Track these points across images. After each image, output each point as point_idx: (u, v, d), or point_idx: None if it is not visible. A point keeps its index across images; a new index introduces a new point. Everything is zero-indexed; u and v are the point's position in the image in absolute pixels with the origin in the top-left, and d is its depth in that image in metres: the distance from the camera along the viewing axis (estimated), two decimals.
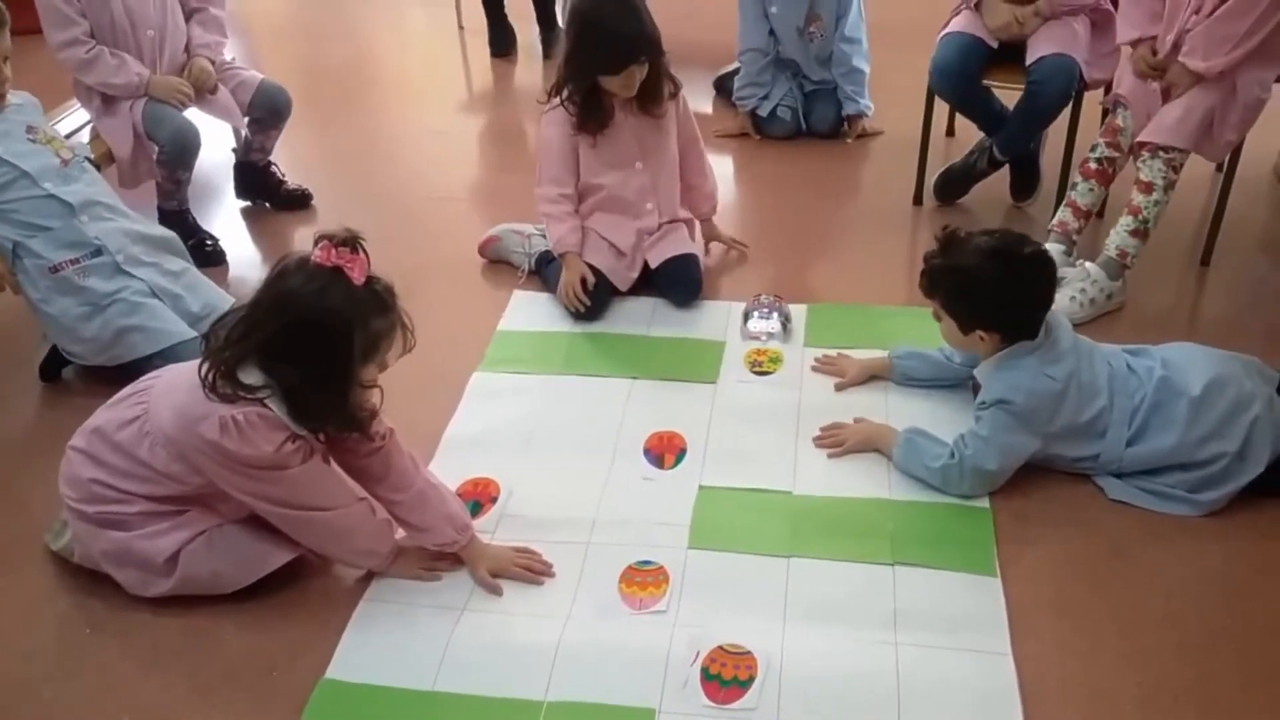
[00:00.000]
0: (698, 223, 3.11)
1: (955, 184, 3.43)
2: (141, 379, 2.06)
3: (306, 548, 2.01)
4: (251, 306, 1.83)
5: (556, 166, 2.87)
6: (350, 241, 1.78)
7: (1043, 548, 2.12)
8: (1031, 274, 2.20)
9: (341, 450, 2.00)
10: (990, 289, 2.17)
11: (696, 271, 2.94)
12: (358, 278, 1.77)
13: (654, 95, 2.79)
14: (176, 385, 1.91)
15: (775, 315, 2.78)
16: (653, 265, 2.93)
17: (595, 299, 2.85)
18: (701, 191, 3.06)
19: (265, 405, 1.81)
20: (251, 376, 1.81)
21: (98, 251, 2.57)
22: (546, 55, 4.77)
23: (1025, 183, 3.41)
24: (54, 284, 2.56)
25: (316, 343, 1.78)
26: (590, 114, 2.77)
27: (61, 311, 2.57)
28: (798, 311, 2.87)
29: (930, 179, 3.46)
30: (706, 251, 3.12)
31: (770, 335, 2.74)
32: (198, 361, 1.85)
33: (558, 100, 2.80)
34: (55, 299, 2.57)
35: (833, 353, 2.68)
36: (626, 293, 2.94)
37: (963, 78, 3.20)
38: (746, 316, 2.80)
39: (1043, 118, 3.17)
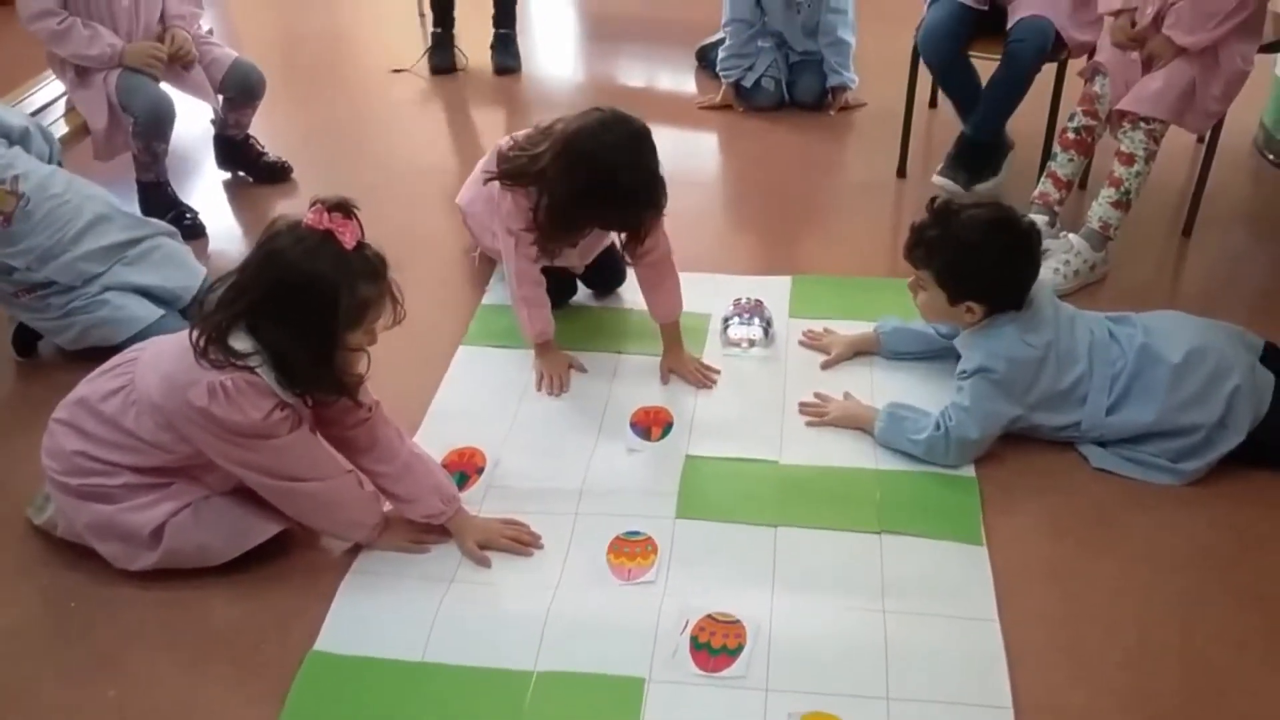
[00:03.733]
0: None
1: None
2: (126, 350, 2.04)
3: (293, 520, 2.00)
4: (241, 269, 1.81)
5: (530, 250, 2.42)
6: (343, 206, 1.77)
7: (1028, 516, 2.14)
8: (1027, 245, 2.21)
9: (327, 422, 1.99)
10: (989, 262, 2.17)
11: (616, 261, 2.78)
12: (348, 242, 1.76)
13: (637, 242, 2.40)
14: (164, 353, 1.90)
15: (756, 321, 2.66)
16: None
17: (564, 285, 2.74)
18: (661, 305, 2.56)
19: (254, 372, 1.80)
20: (241, 342, 1.79)
21: (50, 283, 2.52)
22: (501, 69, 4.37)
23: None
24: (13, 303, 2.56)
25: (302, 304, 1.77)
26: (556, 242, 2.39)
27: (26, 318, 2.61)
28: (781, 283, 2.87)
29: (913, 151, 3.46)
30: (665, 380, 2.55)
31: (752, 342, 2.63)
32: (186, 330, 1.83)
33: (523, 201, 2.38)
34: (18, 311, 2.60)
35: (817, 325, 2.68)
36: None
37: (951, 39, 3.19)
38: (726, 323, 2.68)
39: (1018, 79, 3.13)
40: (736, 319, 2.68)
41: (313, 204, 1.77)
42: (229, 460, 1.88)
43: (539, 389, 2.50)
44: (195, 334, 1.80)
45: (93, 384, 1.98)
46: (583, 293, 2.85)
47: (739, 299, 2.74)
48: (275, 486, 1.92)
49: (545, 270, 2.53)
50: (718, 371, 2.55)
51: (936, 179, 3.25)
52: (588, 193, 2.24)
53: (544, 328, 2.52)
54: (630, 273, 2.74)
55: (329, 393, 1.89)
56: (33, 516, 2.09)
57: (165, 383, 1.84)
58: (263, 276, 1.78)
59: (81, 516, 1.96)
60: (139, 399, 1.89)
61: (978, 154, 3.27)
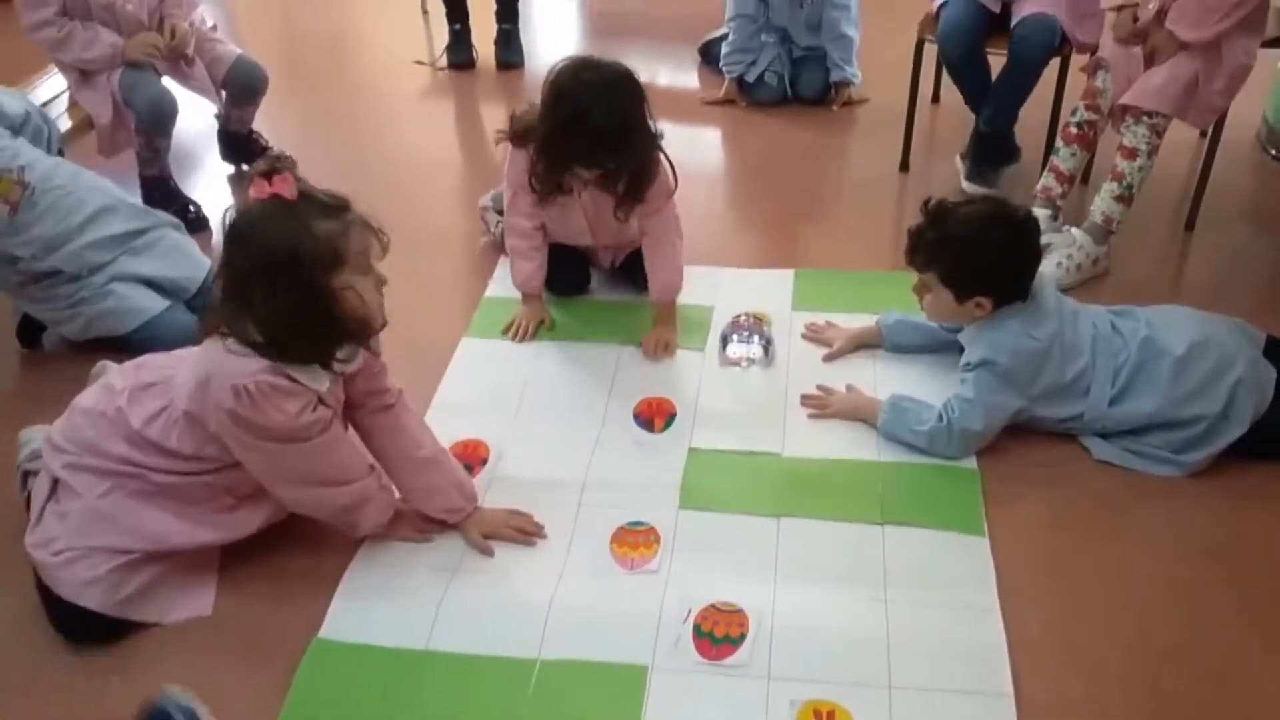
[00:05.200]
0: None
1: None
2: (162, 363, 2.00)
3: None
4: (221, 262, 1.81)
5: (525, 203, 2.60)
6: (274, 167, 1.76)
7: (1029, 507, 2.14)
8: (1027, 236, 2.22)
9: (353, 405, 1.99)
10: (993, 256, 2.17)
11: None
12: (289, 192, 1.74)
13: (631, 192, 2.47)
14: (193, 361, 1.87)
15: (756, 339, 2.59)
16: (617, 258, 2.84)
17: (578, 275, 2.81)
18: (654, 281, 2.65)
19: (284, 374, 1.79)
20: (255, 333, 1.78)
21: (56, 272, 2.52)
22: (504, 64, 4.38)
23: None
24: (20, 293, 2.57)
25: (275, 269, 1.73)
26: (549, 187, 2.51)
27: (32, 309, 2.61)
28: (784, 276, 2.88)
29: (916, 146, 3.46)
30: (647, 354, 2.61)
31: (751, 361, 2.55)
32: (201, 338, 1.84)
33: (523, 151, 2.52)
34: (24, 302, 2.61)
35: (820, 318, 2.68)
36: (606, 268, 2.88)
37: (971, 34, 3.19)
38: (725, 341, 2.60)
39: (1026, 76, 3.13)
40: (735, 336, 2.61)
41: (248, 180, 1.77)
42: (258, 470, 1.88)
43: (509, 333, 2.66)
44: (210, 329, 1.80)
45: (137, 405, 1.90)
46: (614, 287, 2.85)
47: (738, 316, 2.67)
48: (303, 496, 1.92)
49: (566, 259, 2.69)
50: (672, 353, 2.60)
51: (967, 186, 3.24)
52: (566, 127, 2.32)
53: (526, 279, 2.68)
54: None
55: (330, 344, 1.83)
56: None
57: (194, 386, 1.83)
58: (230, 259, 1.77)
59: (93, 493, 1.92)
60: (178, 414, 1.87)
61: (994, 146, 3.29)
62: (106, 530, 1.89)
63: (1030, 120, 3.29)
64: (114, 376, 2.00)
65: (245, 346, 1.77)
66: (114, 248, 2.56)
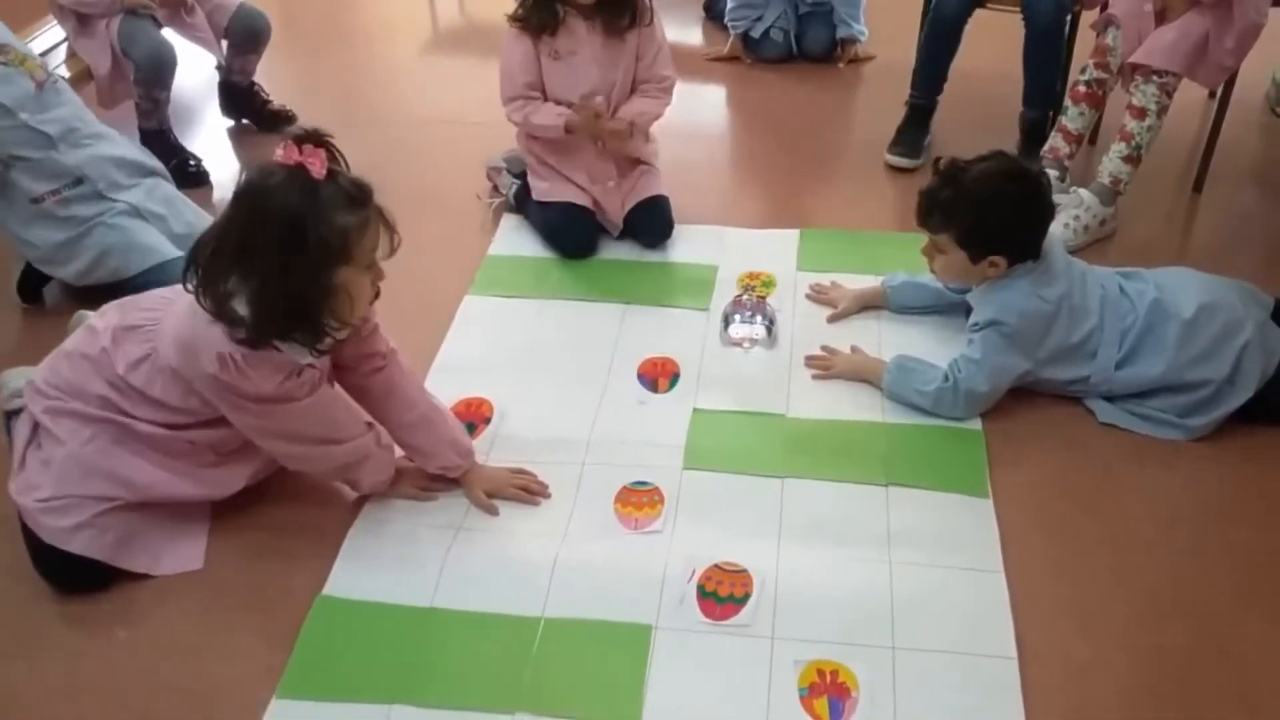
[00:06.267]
0: (658, 173, 2.88)
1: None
2: (152, 300, 1.97)
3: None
4: (222, 214, 1.77)
5: (519, 84, 2.71)
6: (313, 136, 1.70)
7: (1034, 469, 2.14)
8: (1039, 190, 2.20)
9: (344, 369, 1.98)
10: (1008, 212, 2.16)
11: (666, 214, 2.82)
12: (318, 171, 1.68)
13: (616, 9, 2.64)
14: (179, 314, 1.82)
15: (759, 318, 2.51)
16: (625, 209, 2.84)
17: (587, 234, 2.80)
18: (634, 108, 2.77)
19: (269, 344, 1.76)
20: (241, 306, 1.73)
21: (79, 181, 2.50)
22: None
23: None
24: (36, 214, 2.50)
25: (274, 238, 1.68)
26: (539, 12, 2.62)
27: (42, 240, 2.53)
28: (789, 236, 2.86)
29: None
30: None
31: (754, 342, 2.47)
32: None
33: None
34: (36, 229, 2.52)
35: (825, 278, 2.67)
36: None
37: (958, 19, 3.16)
38: (727, 320, 2.52)
39: (1047, 38, 3.09)
40: (738, 315, 2.53)
41: (283, 140, 1.71)
42: (248, 429, 1.86)
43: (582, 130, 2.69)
44: (189, 284, 1.75)
45: (121, 347, 1.87)
46: (618, 246, 2.84)
47: (740, 295, 2.61)
48: (298, 452, 1.91)
49: (573, 219, 2.75)
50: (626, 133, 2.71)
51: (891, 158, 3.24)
52: None
53: (558, 113, 2.70)
54: (682, 229, 2.84)
55: (312, 337, 1.78)
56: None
57: (178, 345, 1.79)
58: (233, 218, 1.72)
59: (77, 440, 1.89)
60: (164, 368, 1.84)
61: (1037, 133, 3.16)
62: (90, 478, 1.87)
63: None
64: (95, 318, 1.97)
65: (215, 317, 1.73)
66: (133, 173, 2.56)
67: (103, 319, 1.94)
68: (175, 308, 1.86)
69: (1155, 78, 2.76)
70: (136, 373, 1.86)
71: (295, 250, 1.68)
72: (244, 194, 1.73)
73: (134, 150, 2.68)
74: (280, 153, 1.70)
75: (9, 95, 2.42)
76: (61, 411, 1.89)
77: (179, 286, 1.81)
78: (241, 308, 1.73)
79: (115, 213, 2.53)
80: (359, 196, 1.73)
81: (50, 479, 1.87)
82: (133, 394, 1.87)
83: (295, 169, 1.68)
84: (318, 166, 1.68)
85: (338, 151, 1.75)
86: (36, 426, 1.92)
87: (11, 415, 2.03)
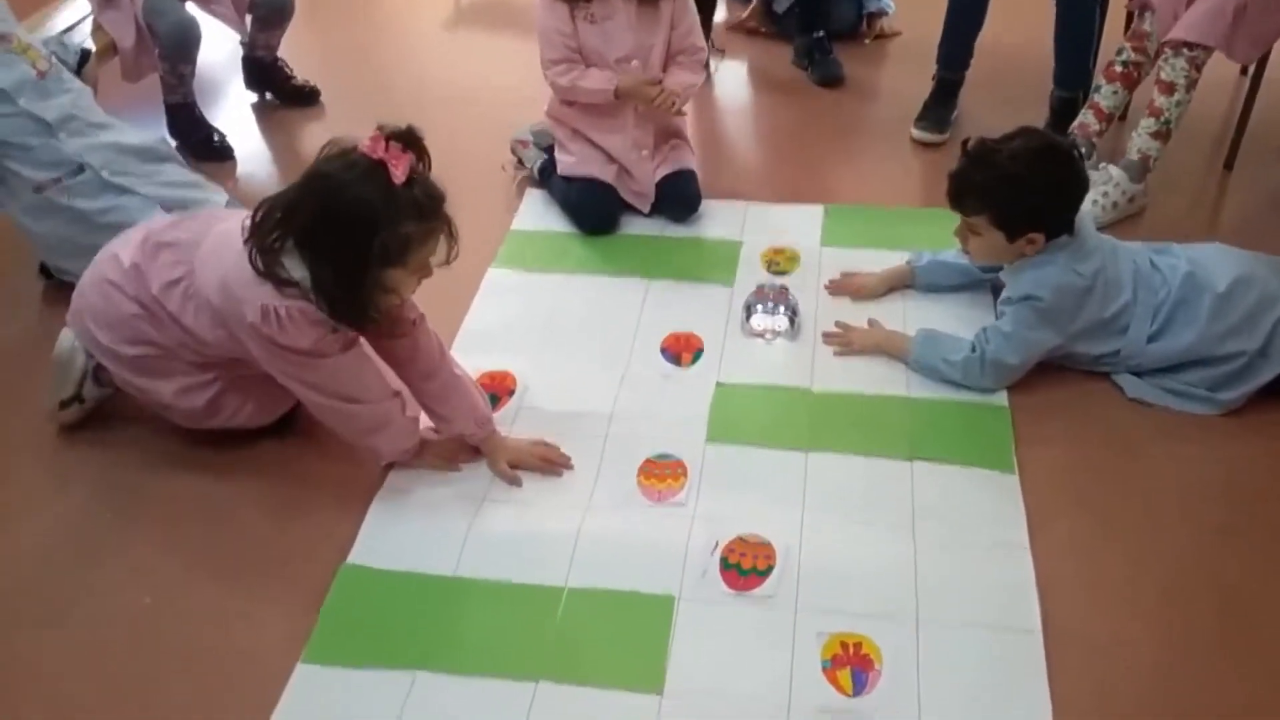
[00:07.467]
0: (691, 148, 2.90)
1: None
2: (190, 219, 2.04)
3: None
4: (295, 186, 1.78)
5: (559, 49, 2.68)
6: (404, 137, 1.72)
7: (1060, 445, 2.12)
8: (1073, 163, 2.18)
9: (371, 333, 1.98)
10: (1045, 189, 2.13)
11: (694, 187, 2.82)
12: (399, 176, 1.70)
13: None
14: (224, 249, 1.84)
15: (782, 309, 2.45)
16: (656, 179, 2.83)
17: (608, 211, 2.79)
18: (683, 65, 2.76)
19: (308, 299, 1.78)
20: (293, 262, 1.77)
21: (80, 169, 2.45)
22: None
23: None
24: (39, 203, 2.45)
25: (338, 233, 1.73)
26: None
27: (49, 231, 2.48)
28: (813, 212, 2.84)
29: None
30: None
31: (776, 333, 2.40)
32: (241, 222, 1.81)
33: None
34: (42, 219, 2.47)
35: (850, 255, 2.64)
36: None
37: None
38: (749, 310, 2.46)
39: (1078, 22, 3.07)
40: (760, 306, 2.47)
41: (377, 130, 1.71)
42: (280, 373, 1.90)
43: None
44: (248, 244, 1.78)
45: (155, 261, 1.94)
46: (642, 221, 2.83)
47: (762, 285, 2.54)
48: (322, 403, 1.93)
49: (595, 196, 2.74)
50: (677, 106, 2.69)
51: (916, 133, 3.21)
52: None
53: (607, 77, 2.66)
54: (705, 204, 2.83)
55: (354, 324, 1.85)
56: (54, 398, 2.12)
57: (222, 289, 1.82)
58: (305, 198, 1.75)
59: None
60: (196, 294, 1.88)
61: (1068, 112, 3.11)
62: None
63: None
64: (118, 245, 2.02)
65: (263, 278, 1.77)
66: (147, 161, 2.53)
67: (126, 246, 1.99)
68: (216, 240, 1.88)
69: (1185, 50, 2.71)
70: (170, 295, 1.91)
71: (355, 247, 1.71)
72: (320, 177, 1.74)
73: (147, 138, 2.60)
74: (366, 143, 1.71)
75: (8, 80, 2.39)
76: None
77: (207, 210, 1.84)
78: (296, 271, 1.76)
79: (125, 210, 2.44)
80: (430, 207, 1.76)
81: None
82: (164, 317, 1.92)
83: (377, 166, 1.69)
84: (399, 171, 1.70)
85: (424, 152, 1.77)
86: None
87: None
